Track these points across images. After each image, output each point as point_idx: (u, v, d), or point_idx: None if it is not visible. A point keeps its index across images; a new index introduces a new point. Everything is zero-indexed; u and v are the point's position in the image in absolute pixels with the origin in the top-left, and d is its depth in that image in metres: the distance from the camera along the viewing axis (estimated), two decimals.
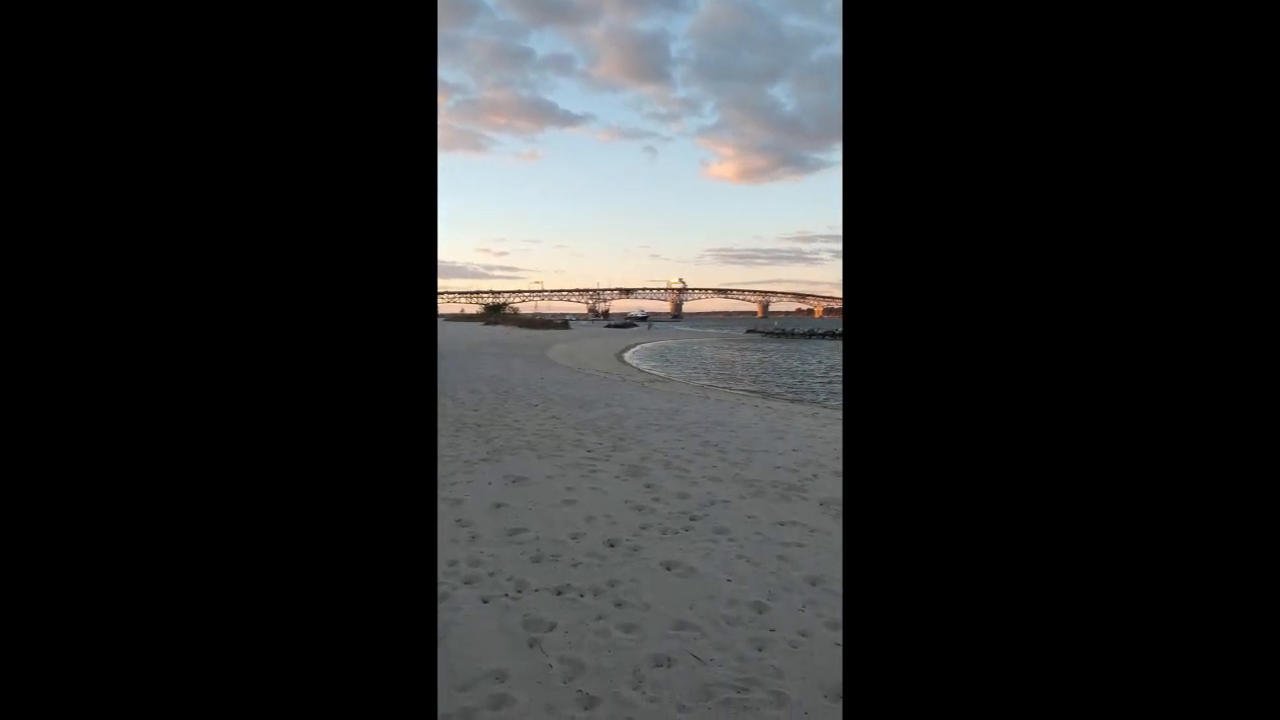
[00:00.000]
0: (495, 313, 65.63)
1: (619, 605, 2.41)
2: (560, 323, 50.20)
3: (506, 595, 2.50)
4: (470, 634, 2.19)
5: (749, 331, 54.70)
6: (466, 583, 2.62)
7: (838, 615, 2.32)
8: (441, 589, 2.56)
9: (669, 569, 2.75)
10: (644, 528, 3.29)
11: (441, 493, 3.95)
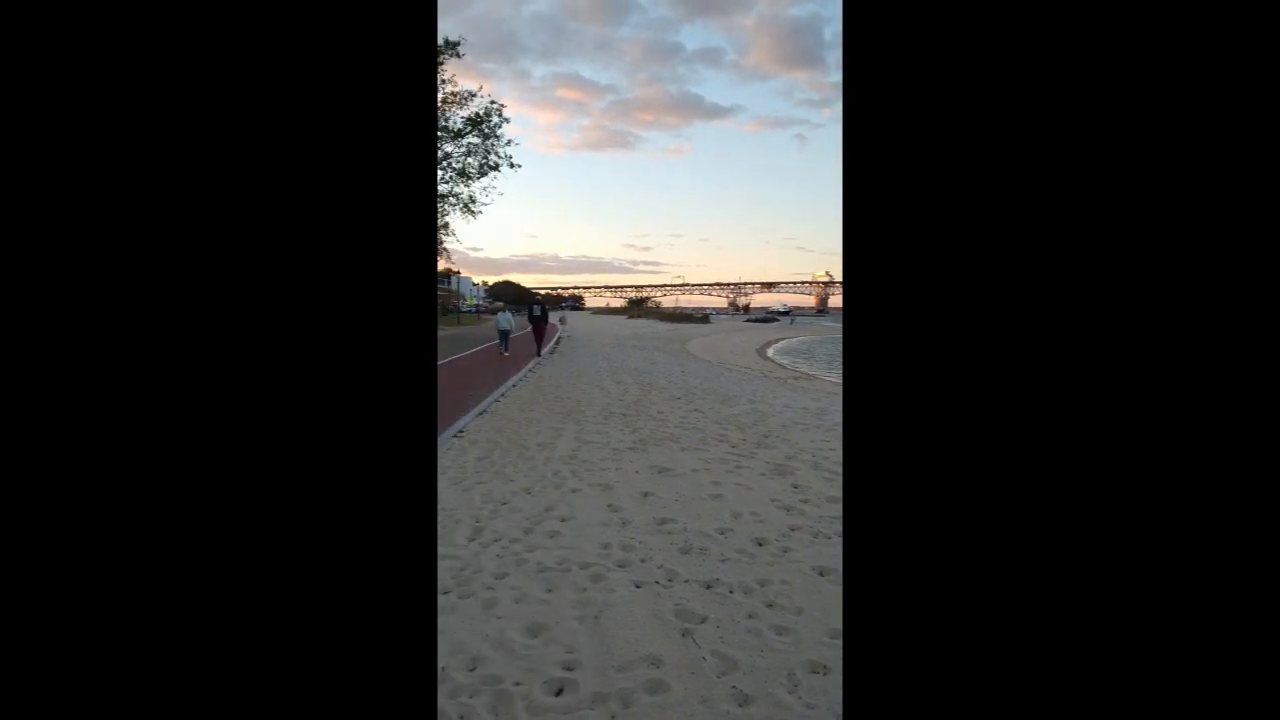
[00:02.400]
0: (638, 306, 67.33)
1: (770, 606, 2.37)
2: (700, 317, 50.24)
3: (658, 583, 2.55)
4: (625, 616, 2.26)
5: None
6: (620, 566, 2.71)
7: None
8: (596, 570, 2.67)
9: (822, 575, 2.66)
10: (793, 529, 3.20)
11: (591, 477, 4.13)
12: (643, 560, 2.78)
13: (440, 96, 24.41)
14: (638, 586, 2.52)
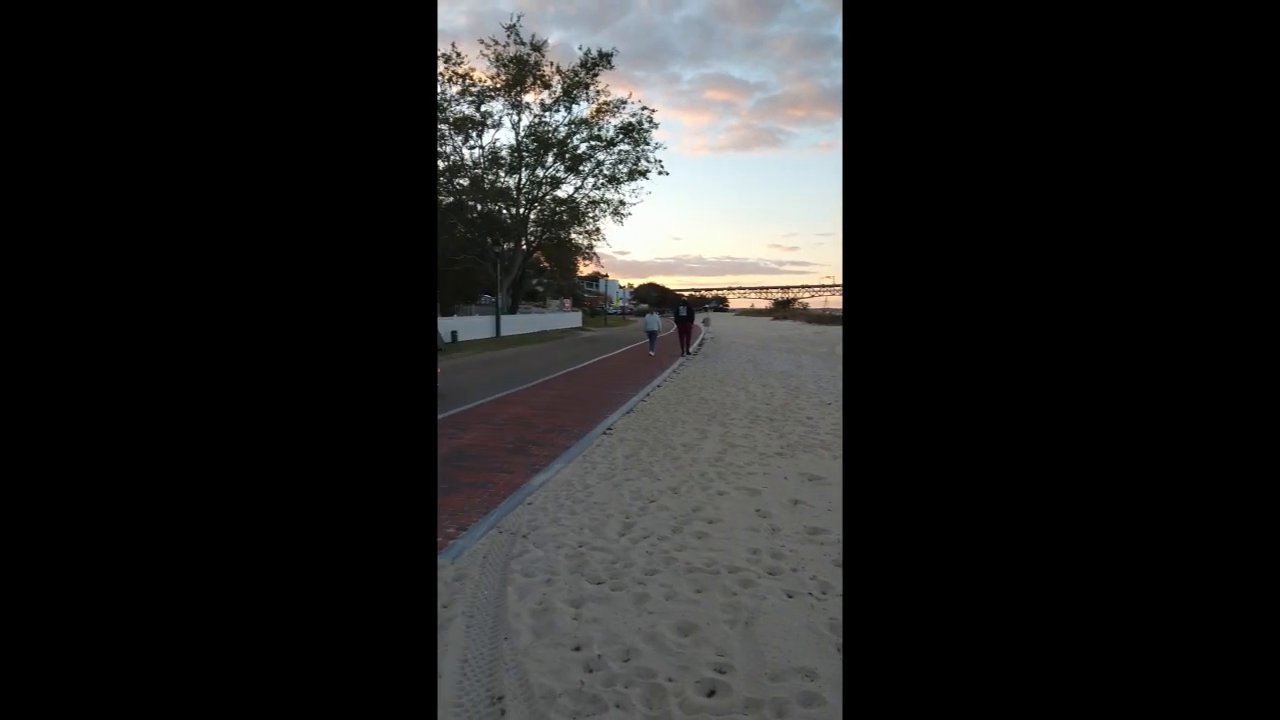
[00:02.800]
0: (783, 308, 65.84)
1: None
2: None
3: (811, 594, 2.47)
4: (778, 626, 2.22)
5: None
6: (770, 574, 2.66)
7: None
8: (745, 575, 2.64)
9: None
10: None
11: (739, 481, 4.09)
12: (794, 570, 2.70)
13: (595, 106, 25.48)
14: (790, 596, 2.46)
